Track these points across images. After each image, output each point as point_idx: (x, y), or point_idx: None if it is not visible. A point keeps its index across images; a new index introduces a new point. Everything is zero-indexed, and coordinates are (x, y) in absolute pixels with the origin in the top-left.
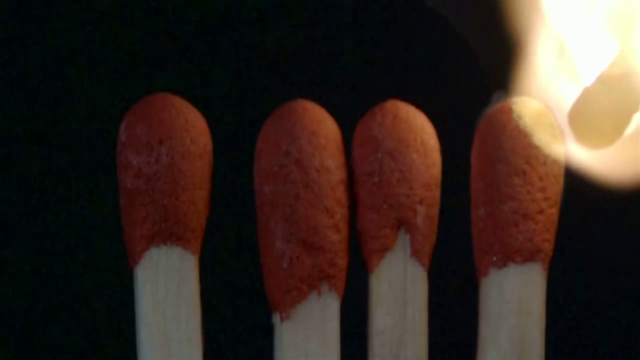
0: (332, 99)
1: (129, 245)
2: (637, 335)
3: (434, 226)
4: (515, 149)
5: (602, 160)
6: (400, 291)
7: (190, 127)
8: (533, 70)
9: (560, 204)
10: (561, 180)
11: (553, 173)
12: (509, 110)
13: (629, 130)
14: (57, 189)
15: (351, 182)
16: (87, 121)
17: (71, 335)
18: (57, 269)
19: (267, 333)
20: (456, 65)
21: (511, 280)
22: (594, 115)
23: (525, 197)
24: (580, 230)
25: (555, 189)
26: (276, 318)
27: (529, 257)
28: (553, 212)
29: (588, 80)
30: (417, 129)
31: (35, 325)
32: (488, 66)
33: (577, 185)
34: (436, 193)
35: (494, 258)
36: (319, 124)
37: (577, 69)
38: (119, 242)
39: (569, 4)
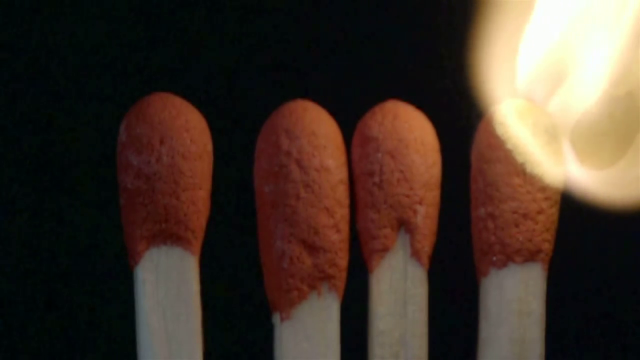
0: (332, 99)
1: (129, 245)
2: (637, 335)
3: (434, 226)
4: (515, 149)
5: (603, 180)
6: (400, 291)
7: (191, 127)
8: (530, 71)
9: (560, 204)
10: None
11: None
12: (508, 111)
13: (631, 149)
14: (57, 188)
15: (351, 182)
16: (87, 121)
17: (71, 335)
18: (57, 269)
19: (267, 333)
20: (456, 66)
21: (511, 280)
22: (597, 135)
23: (525, 197)
24: (580, 230)
25: (555, 188)
26: (276, 318)
27: (529, 257)
28: (553, 212)
29: (590, 98)
30: (417, 129)
31: (35, 325)
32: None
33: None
34: (436, 193)
35: (494, 258)
36: (319, 124)
37: (571, 72)
38: (119, 242)
39: (571, 21)
